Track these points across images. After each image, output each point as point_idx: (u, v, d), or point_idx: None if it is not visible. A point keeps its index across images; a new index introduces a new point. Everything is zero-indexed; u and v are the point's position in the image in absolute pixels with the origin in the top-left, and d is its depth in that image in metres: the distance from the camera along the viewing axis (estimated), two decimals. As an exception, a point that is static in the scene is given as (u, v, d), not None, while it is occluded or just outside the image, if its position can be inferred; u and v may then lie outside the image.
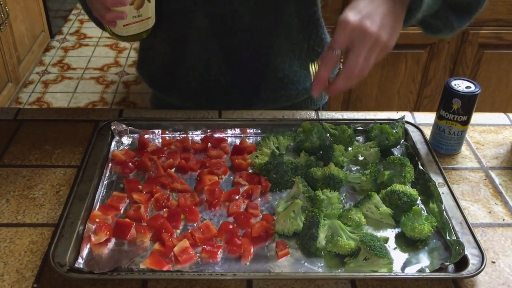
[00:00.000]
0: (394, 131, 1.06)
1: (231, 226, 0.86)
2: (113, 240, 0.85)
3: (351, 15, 0.79)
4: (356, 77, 0.83)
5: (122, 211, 0.90)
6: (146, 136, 1.07)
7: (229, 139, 1.08)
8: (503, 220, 0.91)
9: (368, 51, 0.81)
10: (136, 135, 1.07)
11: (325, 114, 1.16)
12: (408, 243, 0.86)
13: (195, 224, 0.88)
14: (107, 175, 0.98)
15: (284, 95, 1.19)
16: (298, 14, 1.10)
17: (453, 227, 0.85)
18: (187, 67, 1.15)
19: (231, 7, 1.05)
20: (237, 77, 1.15)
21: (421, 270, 0.80)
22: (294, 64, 1.16)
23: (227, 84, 1.16)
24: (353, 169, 1.02)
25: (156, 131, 1.08)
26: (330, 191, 0.91)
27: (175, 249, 0.81)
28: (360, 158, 1.04)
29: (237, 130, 1.09)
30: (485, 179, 1.00)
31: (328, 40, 1.20)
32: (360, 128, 1.10)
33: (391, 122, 1.09)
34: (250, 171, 1.00)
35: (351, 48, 0.81)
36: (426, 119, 1.16)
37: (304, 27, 1.13)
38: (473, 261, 0.79)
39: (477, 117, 1.17)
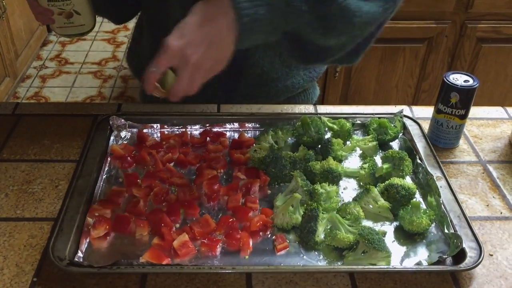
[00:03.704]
0: (393, 125, 1.07)
1: (230, 220, 0.86)
2: (112, 234, 0.85)
3: (174, 40, 0.76)
4: (184, 95, 0.81)
5: (121, 205, 0.90)
6: (144, 131, 1.07)
7: (228, 133, 1.08)
8: (501, 213, 0.92)
9: (191, 76, 0.78)
10: (134, 130, 1.07)
11: (324, 108, 1.16)
12: (406, 236, 0.86)
13: (194, 218, 0.88)
14: (106, 169, 0.98)
15: (264, 92, 1.17)
16: None
17: (451, 221, 0.86)
18: None
19: None
20: None
21: (419, 263, 0.81)
22: (275, 62, 1.13)
23: None
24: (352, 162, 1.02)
25: (155, 125, 1.08)
26: (328, 185, 0.92)
27: (175, 243, 0.82)
28: (359, 152, 1.04)
29: (236, 124, 1.09)
30: (483, 173, 1.01)
31: None
32: (358, 122, 1.10)
33: (390, 116, 1.09)
34: (249, 165, 1.00)
35: (176, 70, 0.79)
36: (424, 113, 1.16)
37: None
38: (471, 254, 0.80)
39: (475, 111, 1.17)
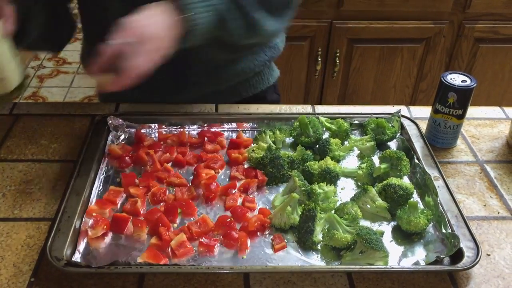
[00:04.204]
0: (390, 125, 1.07)
1: (228, 220, 0.86)
2: (110, 234, 0.85)
3: (131, 21, 0.84)
4: (136, 75, 0.85)
5: (119, 205, 0.90)
6: (142, 131, 1.07)
7: (226, 133, 1.08)
8: (498, 213, 0.92)
9: (146, 52, 0.85)
10: (132, 130, 1.07)
11: (322, 108, 1.17)
12: (403, 236, 0.86)
13: (192, 218, 0.88)
14: (103, 169, 0.97)
15: (214, 78, 1.18)
16: None
17: (449, 220, 0.86)
18: None
19: None
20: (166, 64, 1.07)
21: (416, 263, 0.81)
22: (219, 49, 1.12)
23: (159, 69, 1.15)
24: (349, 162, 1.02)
25: (153, 125, 1.08)
26: (326, 185, 0.92)
27: (172, 243, 0.81)
28: (356, 152, 1.04)
29: (234, 124, 1.09)
30: (481, 173, 1.01)
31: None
32: (356, 122, 1.10)
33: (387, 116, 1.09)
34: (246, 165, 1.00)
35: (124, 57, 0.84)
36: (422, 113, 1.16)
37: None
38: (468, 253, 0.80)
39: (472, 111, 1.17)
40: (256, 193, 0.94)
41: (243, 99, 1.24)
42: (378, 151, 1.04)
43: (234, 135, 1.08)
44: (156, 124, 1.08)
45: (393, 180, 0.91)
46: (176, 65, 1.09)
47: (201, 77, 1.17)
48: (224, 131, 1.09)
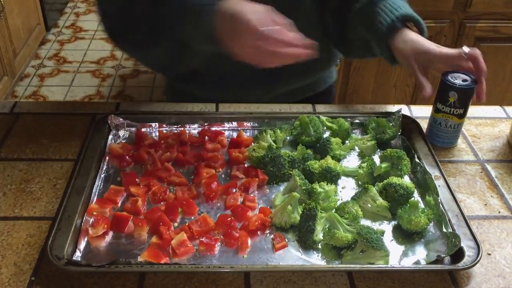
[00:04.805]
0: (391, 124, 1.07)
1: (228, 219, 0.86)
2: (110, 233, 0.85)
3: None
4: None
5: (119, 204, 0.90)
6: (143, 130, 1.07)
7: (226, 133, 1.08)
8: (499, 212, 0.92)
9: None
10: (133, 129, 1.07)
11: (322, 108, 1.16)
12: (404, 235, 0.86)
13: (192, 217, 0.88)
14: (104, 168, 0.98)
15: (300, 80, 1.20)
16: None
17: (449, 220, 0.86)
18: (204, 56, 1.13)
19: None
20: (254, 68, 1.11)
21: (417, 262, 0.81)
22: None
23: (249, 71, 1.15)
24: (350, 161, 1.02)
25: (153, 124, 1.08)
26: (327, 184, 0.92)
27: (173, 242, 0.81)
28: (357, 151, 1.04)
29: (234, 124, 1.09)
30: (481, 172, 1.01)
31: None
32: (357, 121, 1.10)
33: (388, 115, 1.09)
34: (247, 164, 1.00)
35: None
36: (423, 112, 1.16)
37: (321, 16, 1.14)
38: (469, 253, 0.80)
39: (473, 110, 1.17)
40: (256, 192, 0.94)
41: (304, 98, 1.27)
42: (378, 150, 1.04)
43: (234, 134, 1.08)
44: (156, 123, 1.08)
45: (394, 179, 0.91)
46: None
47: (291, 78, 1.19)
48: (224, 130, 1.08)
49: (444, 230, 0.85)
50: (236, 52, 0.88)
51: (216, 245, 0.83)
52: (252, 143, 1.04)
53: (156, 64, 1.18)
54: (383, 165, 0.96)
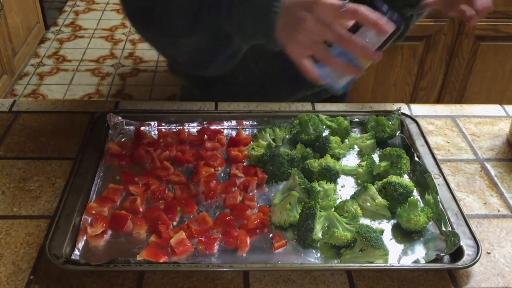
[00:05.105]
0: (390, 123, 1.07)
1: (227, 218, 0.86)
2: (109, 232, 0.85)
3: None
4: None
5: (118, 203, 0.90)
6: (142, 128, 1.07)
7: (225, 131, 1.08)
8: (498, 211, 0.92)
9: None
10: (132, 127, 1.07)
11: (321, 106, 1.16)
12: (403, 234, 0.86)
13: (191, 216, 0.88)
14: (103, 167, 0.97)
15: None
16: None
17: (449, 218, 0.86)
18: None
19: None
20: (285, 68, 1.02)
21: (416, 261, 0.81)
22: None
23: (274, 75, 1.15)
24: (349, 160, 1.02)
25: (152, 123, 1.08)
26: (326, 183, 0.92)
27: (172, 241, 0.81)
28: (356, 149, 1.04)
29: (233, 122, 1.09)
30: (481, 171, 1.01)
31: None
32: (356, 120, 1.10)
33: (387, 114, 1.09)
34: (246, 163, 1.00)
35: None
36: (422, 111, 1.16)
37: None
38: (468, 252, 0.80)
39: (473, 109, 1.17)
40: (255, 191, 0.94)
41: (323, 99, 1.27)
42: (378, 149, 1.04)
43: (233, 133, 1.07)
44: (155, 122, 1.08)
45: (393, 178, 0.91)
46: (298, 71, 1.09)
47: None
48: (223, 128, 1.08)
49: (444, 229, 0.85)
50: (294, 39, 0.81)
51: (215, 244, 0.82)
52: (251, 142, 1.04)
53: (187, 53, 1.07)
54: (383, 163, 0.96)
